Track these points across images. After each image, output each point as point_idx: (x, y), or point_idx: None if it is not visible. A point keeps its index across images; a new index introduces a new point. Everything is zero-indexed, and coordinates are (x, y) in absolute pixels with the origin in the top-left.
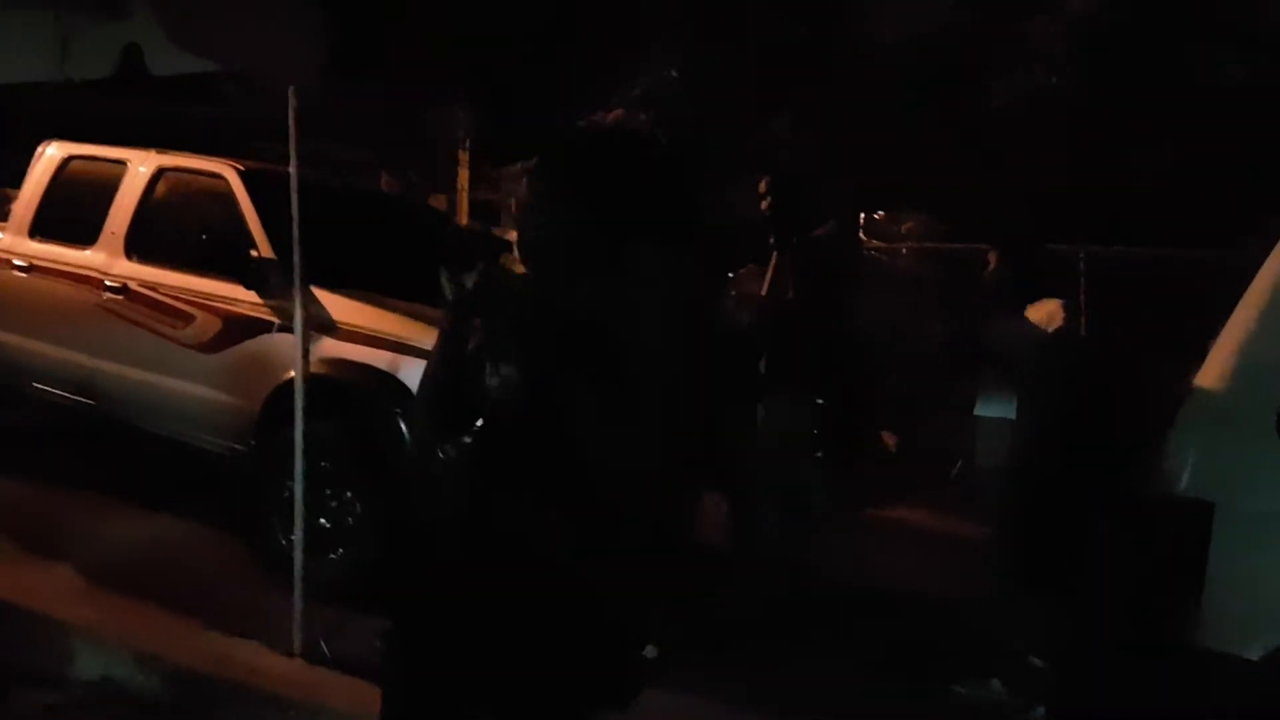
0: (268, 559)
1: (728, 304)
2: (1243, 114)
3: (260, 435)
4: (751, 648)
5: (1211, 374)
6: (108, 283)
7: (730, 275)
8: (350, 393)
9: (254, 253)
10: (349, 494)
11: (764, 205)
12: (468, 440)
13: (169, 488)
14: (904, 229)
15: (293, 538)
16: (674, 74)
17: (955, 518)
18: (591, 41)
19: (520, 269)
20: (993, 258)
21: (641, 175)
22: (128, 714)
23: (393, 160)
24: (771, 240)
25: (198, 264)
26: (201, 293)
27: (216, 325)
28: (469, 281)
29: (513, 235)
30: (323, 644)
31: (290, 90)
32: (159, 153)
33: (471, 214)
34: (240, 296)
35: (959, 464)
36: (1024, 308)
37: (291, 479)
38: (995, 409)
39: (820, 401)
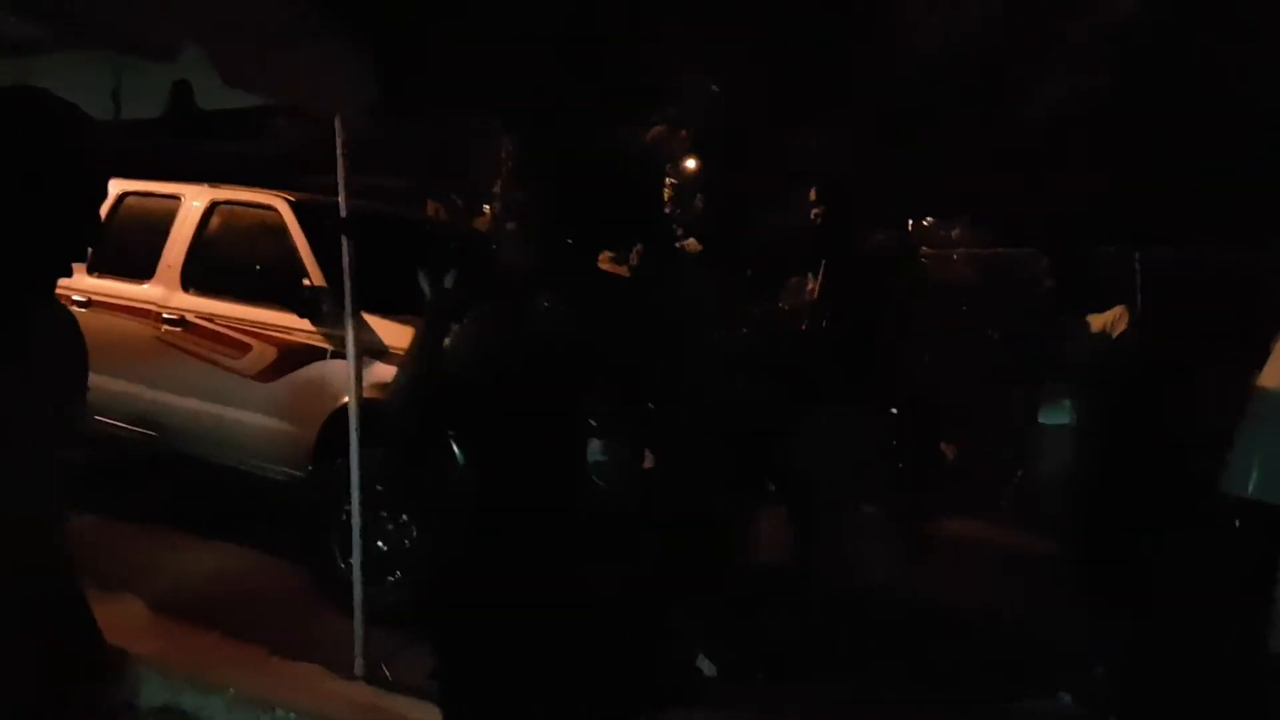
0: (328, 583)
1: (769, 313)
2: None
3: (317, 461)
4: (810, 663)
5: (1275, 373)
6: (165, 315)
7: (777, 284)
8: None
9: (306, 281)
10: (405, 517)
11: (814, 214)
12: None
13: (230, 516)
14: (953, 234)
15: (351, 561)
16: (713, 87)
17: (1016, 529)
18: (629, 57)
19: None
20: (1046, 264)
21: (610, 190)
22: None
23: (438, 187)
24: (820, 248)
25: (252, 294)
26: (256, 322)
27: (272, 354)
28: (448, 282)
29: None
30: (384, 666)
31: (336, 122)
32: (212, 187)
33: None
34: (294, 325)
35: (1019, 474)
36: (1082, 313)
37: (348, 503)
38: (1058, 417)
39: (894, 411)
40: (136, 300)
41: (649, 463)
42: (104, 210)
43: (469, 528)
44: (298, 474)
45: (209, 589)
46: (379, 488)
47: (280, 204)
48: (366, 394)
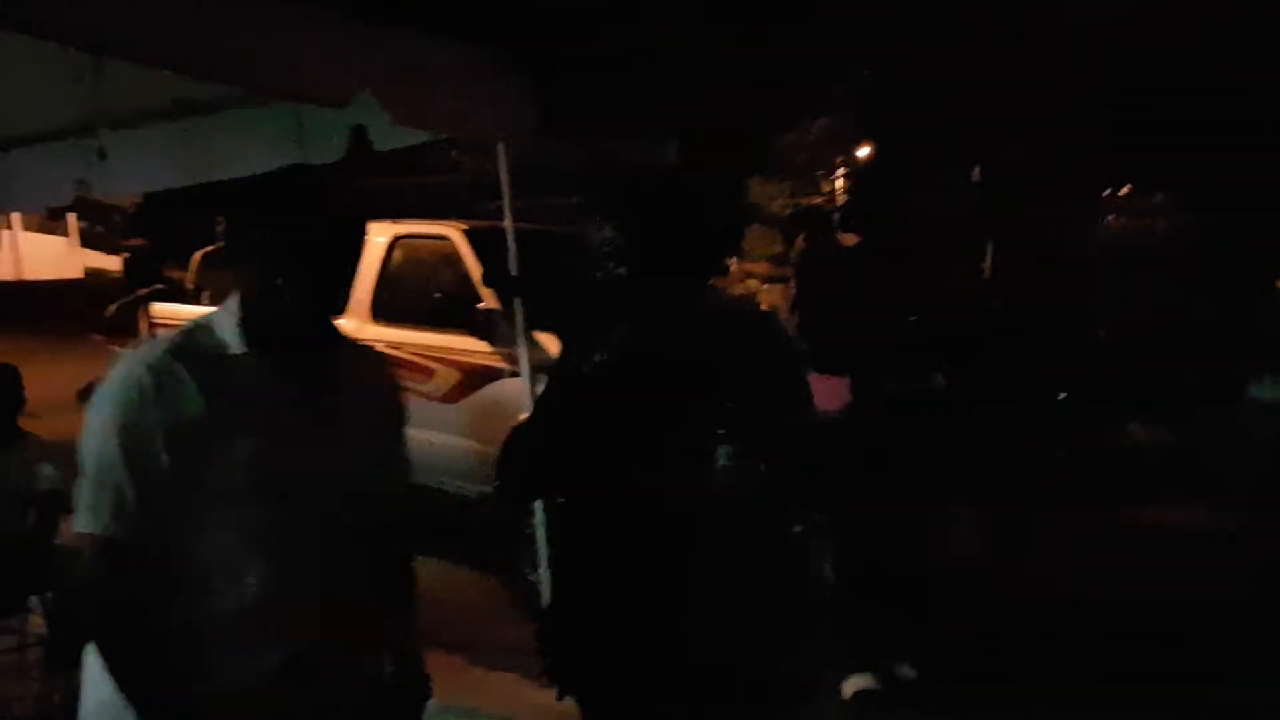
0: (520, 595)
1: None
2: None
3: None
4: (1005, 665)
5: None
6: None
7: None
8: None
9: (480, 305)
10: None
11: (976, 194)
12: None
13: (429, 532)
14: (1154, 202)
15: (540, 573)
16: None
17: (1225, 512)
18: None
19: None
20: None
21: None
22: None
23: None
24: (987, 229)
25: (433, 320)
26: (439, 347)
27: (455, 377)
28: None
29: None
30: None
31: (500, 149)
32: (392, 222)
33: None
34: (472, 347)
35: (1227, 452)
36: None
37: (534, 517)
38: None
39: (1063, 396)
40: None
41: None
42: None
43: (598, 558)
44: (487, 490)
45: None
46: (560, 500)
47: (453, 233)
48: None
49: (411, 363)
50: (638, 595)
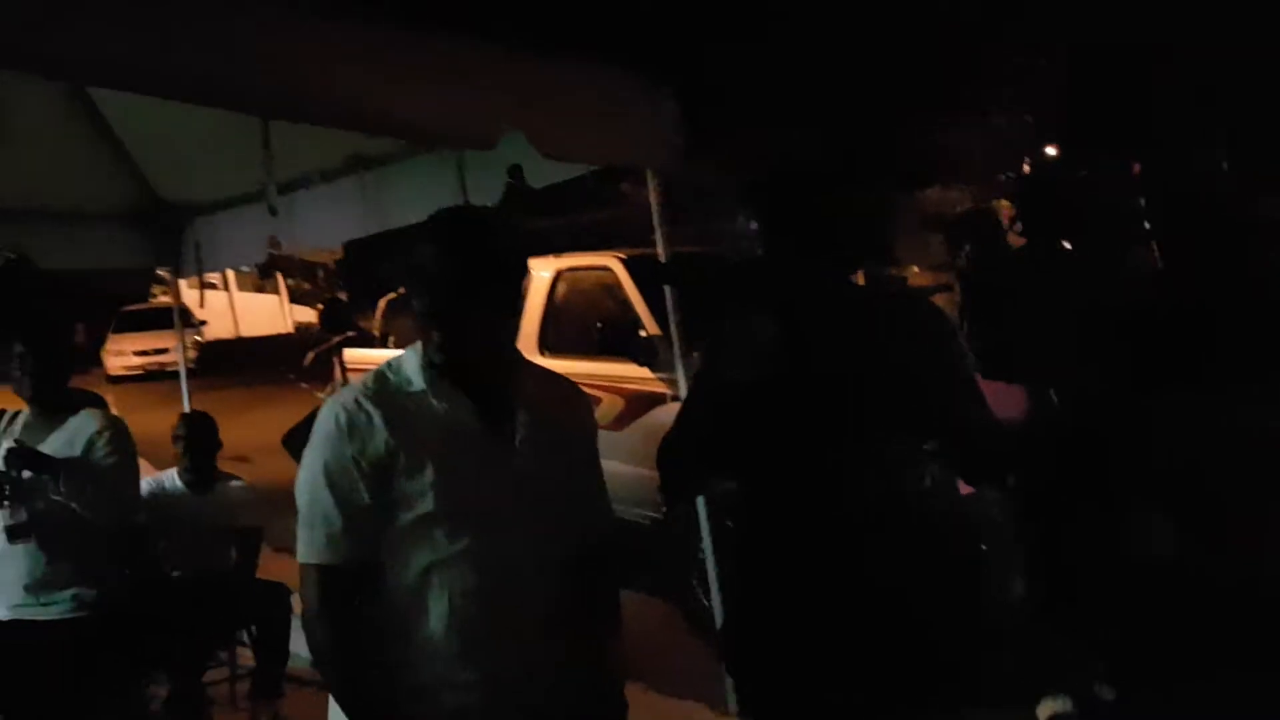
0: (694, 621)
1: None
2: None
3: (669, 502)
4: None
5: None
6: None
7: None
8: None
9: (642, 332)
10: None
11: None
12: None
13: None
14: None
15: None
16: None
17: None
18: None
19: None
20: None
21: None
22: None
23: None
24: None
25: (598, 349)
26: (604, 375)
27: (620, 404)
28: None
29: None
30: None
31: (650, 177)
32: (556, 257)
33: None
34: (635, 374)
35: None
36: None
37: (702, 542)
38: None
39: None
40: None
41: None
42: None
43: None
44: (656, 516)
45: None
46: (729, 524)
47: (613, 263)
48: None
49: None
50: (817, 609)
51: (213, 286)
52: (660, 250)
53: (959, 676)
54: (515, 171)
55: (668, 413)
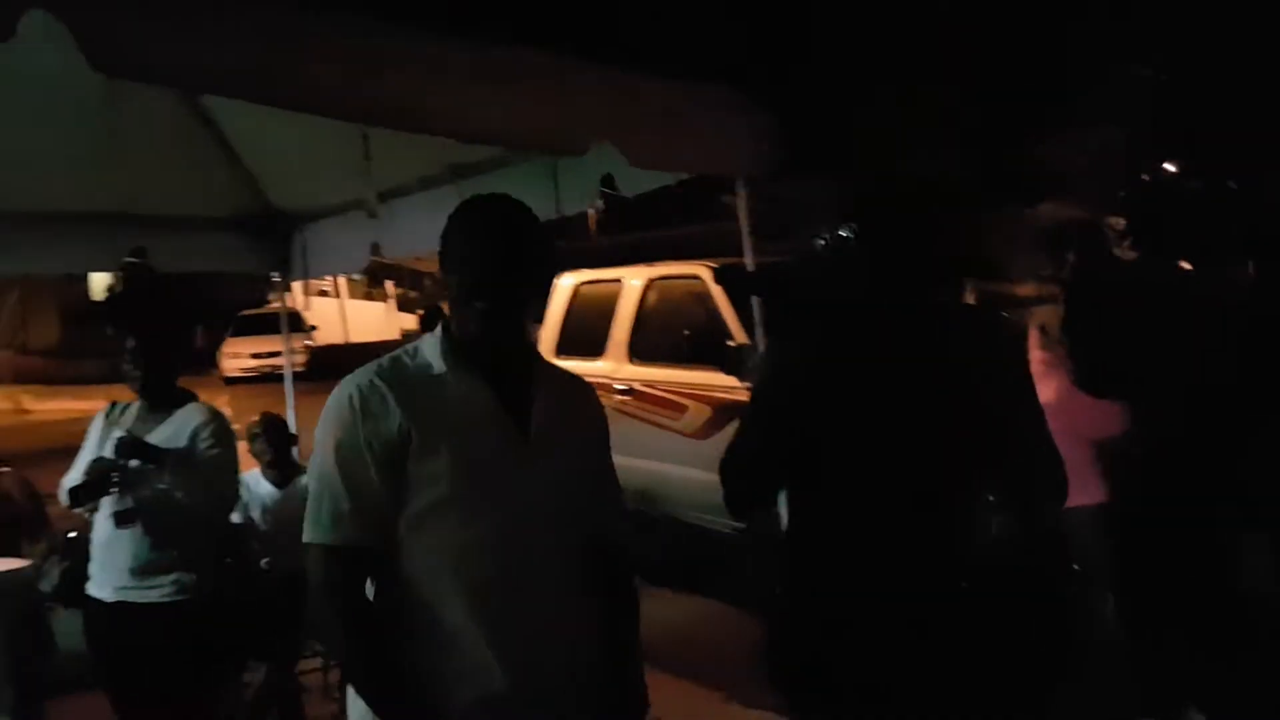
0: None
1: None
2: None
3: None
4: None
5: None
6: (617, 386)
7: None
8: None
9: (731, 341)
10: None
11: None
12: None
13: (688, 567)
14: None
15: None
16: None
17: None
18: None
19: None
20: None
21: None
22: None
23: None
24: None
25: (686, 358)
26: (691, 384)
27: (706, 412)
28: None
29: None
30: None
31: (741, 186)
32: (648, 266)
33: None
34: (723, 383)
35: None
36: None
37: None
38: None
39: None
40: (594, 375)
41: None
42: (563, 300)
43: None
44: (740, 525)
45: (670, 636)
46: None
47: (703, 271)
48: None
49: (666, 400)
50: (882, 632)
51: (325, 294)
52: (749, 260)
53: (1034, 702)
54: (608, 180)
55: None
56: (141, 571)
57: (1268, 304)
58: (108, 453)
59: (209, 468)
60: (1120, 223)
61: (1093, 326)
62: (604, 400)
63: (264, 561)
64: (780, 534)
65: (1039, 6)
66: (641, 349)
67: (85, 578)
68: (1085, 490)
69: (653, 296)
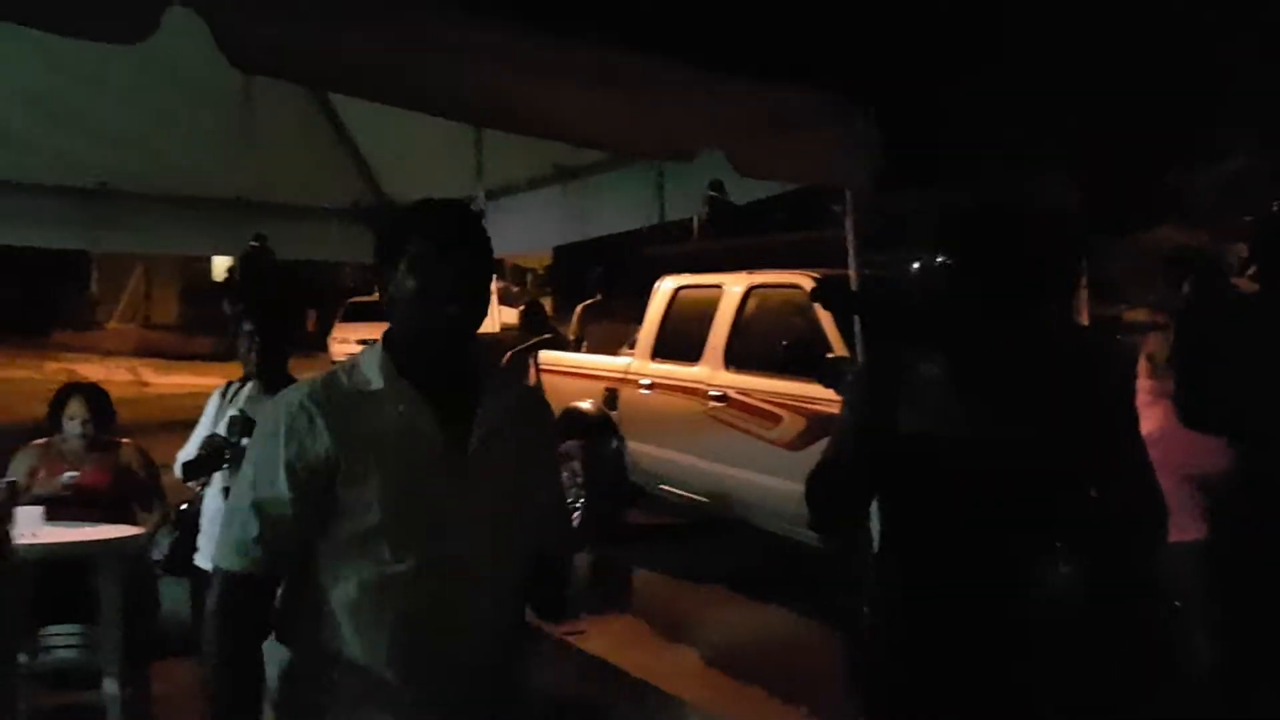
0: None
1: None
2: None
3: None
4: None
5: None
6: (711, 392)
7: None
8: None
9: (829, 353)
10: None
11: None
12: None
13: (777, 578)
14: None
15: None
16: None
17: None
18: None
19: None
20: None
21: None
22: None
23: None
24: None
25: (782, 368)
26: (787, 394)
27: (801, 424)
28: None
29: None
30: None
31: (847, 197)
32: (748, 273)
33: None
34: (820, 395)
35: None
36: None
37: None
38: None
39: None
40: (688, 381)
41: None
42: (662, 303)
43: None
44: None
45: (756, 647)
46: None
47: (805, 281)
48: None
49: (760, 409)
50: (980, 655)
51: None
52: (852, 273)
53: None
54: (717, 186)
55: None
56: None
57: None
58: (221, 430)
59: None
60: (1244, 251)
61: (1201, 358)
62: (698, 406)
63: None
64: (868, 552)
65: (1183, 32)
66: (738, 356)
67: (193, 549)
68: (1184, 526)
69: (752, 304)
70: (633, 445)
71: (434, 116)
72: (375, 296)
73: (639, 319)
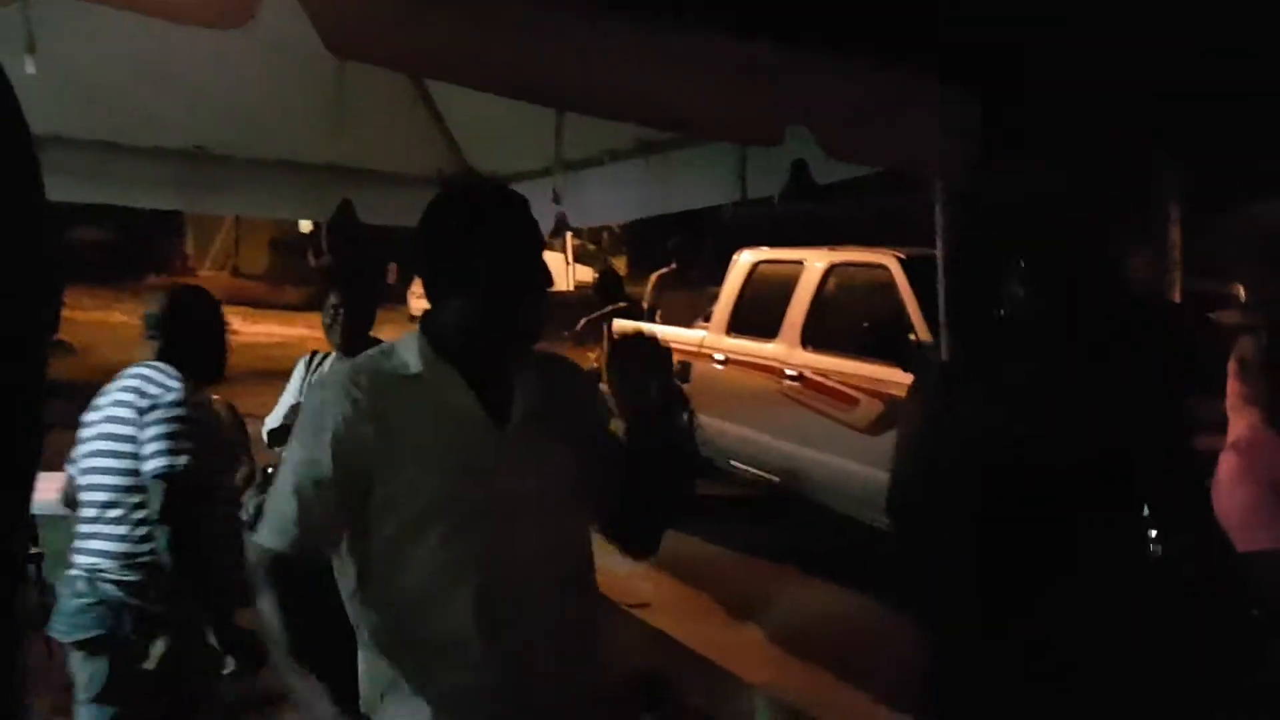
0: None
1: None
2: None
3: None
4: None
5: None
6: (787, 371)
7: None
8: None
9: (912, 337)
10: None
11: None
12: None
13: (847, 560)
14: None
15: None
16: None
17: None
18: None
19: None
20: None
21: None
22: None
23: None
24: None
25: (862, 350)
26: (865, 377)
27: (879, 408)
28: None
29: None
30: None
31: (938, 182)
32: (830, 250)
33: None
34: (900, 379)
35: None
36: None
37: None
38: None
39: None
40: (764, 358)
41: None
42: (739, 277)
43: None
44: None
45: (823, 629)
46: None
47: (891, 262)
48: None
49: (837, 391)
50: (1047, 660)
51: None
52: (939, 253)
53: None
54: (801, 165)
55: None
56: None
57: None
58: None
59: None
60: None
61: None
62: (773, 385)
63: None
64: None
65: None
66: (816, 336)
67: None
68: (1268, 534)
69: (833, 282)
70: (704, 419)
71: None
72: None
73: (717, 288)
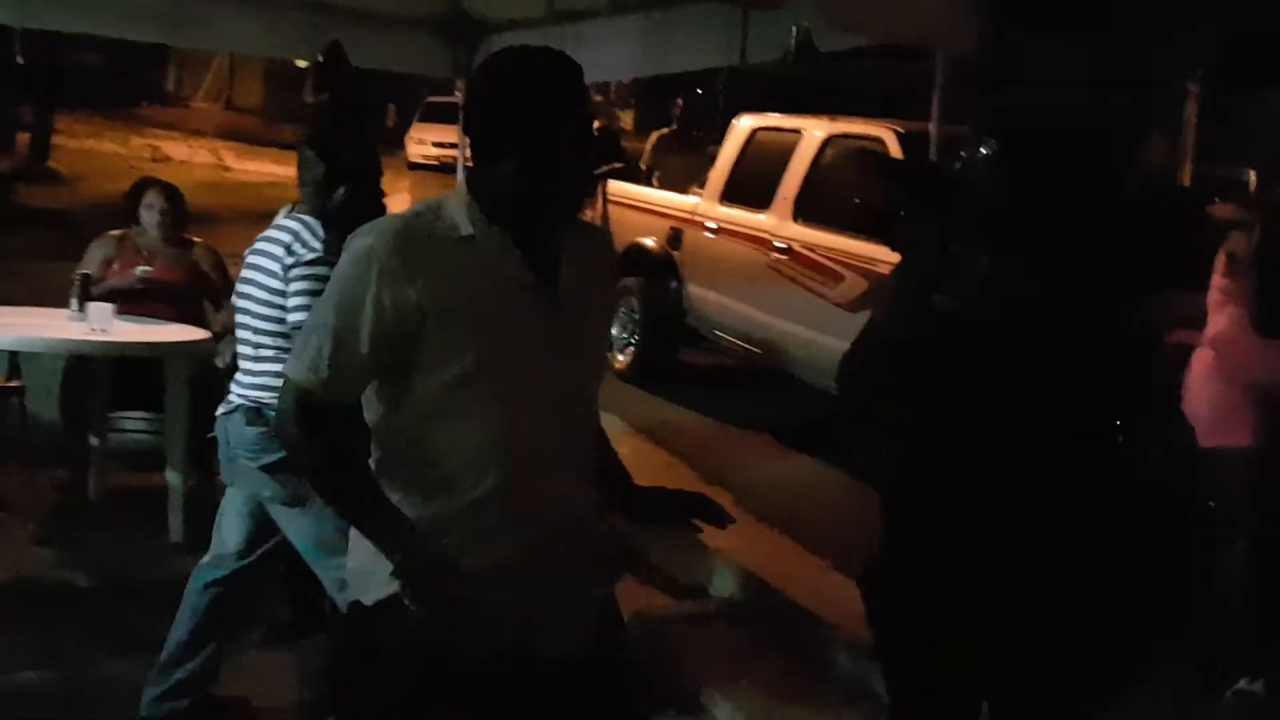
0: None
1: None
2: None
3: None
4: None
5: None
6: (776, 243)
7: None
8: None
9: (903, 214)
10: None
11: None
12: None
13: (822, 434)
14: None
15: None
16: None
17: None
18: None
19: None
20: None
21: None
22: (747, 633)
23: None
24: None
25: (852, 225)
26: (851, 253)
27: (862, 285)
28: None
29: None
30: None
31: (939, 54)
32: (830, 119)
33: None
34: (887, 258)
35: None
36: None
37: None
38: None
39: None
40: (754, 229)
41: None
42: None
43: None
44: None
45: (789, 497)
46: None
47: (888, 135)
48: None
49: (823, 265)
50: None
51: None
52: (932, 127)
53: (1142, 644)
54: (803, 32)
55: None
56: None
57: None
58: None
59: None
60: None
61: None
62: (762, 257)
63: None
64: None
65: None
66: (809, 209)
67: None
68: (1234, 432)
69: (830, 153)
70: (692, 288)
71: None
72: (454, 98)
73: (717, 149)
